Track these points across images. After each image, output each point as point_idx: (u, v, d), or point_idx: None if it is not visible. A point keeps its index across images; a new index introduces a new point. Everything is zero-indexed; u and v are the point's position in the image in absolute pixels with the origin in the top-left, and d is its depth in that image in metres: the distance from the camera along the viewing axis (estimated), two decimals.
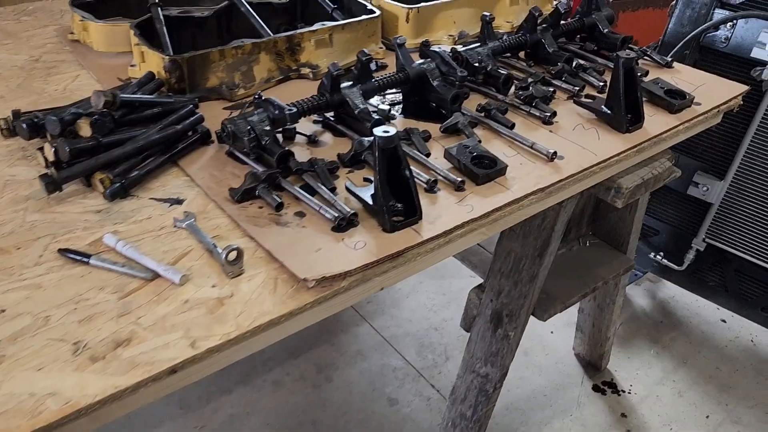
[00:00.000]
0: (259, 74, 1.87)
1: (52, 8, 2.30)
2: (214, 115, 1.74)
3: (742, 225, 2.60)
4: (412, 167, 1.51)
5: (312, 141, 1.64)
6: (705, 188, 2.61)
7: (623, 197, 1.71)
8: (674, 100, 1.83)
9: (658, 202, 2.82)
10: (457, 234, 1.37)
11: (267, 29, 2.00)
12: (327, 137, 1.68)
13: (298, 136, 1.67)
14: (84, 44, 2.08)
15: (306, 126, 1.70)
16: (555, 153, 1.58)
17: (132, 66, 1.88)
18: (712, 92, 1.97)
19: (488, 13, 1.92)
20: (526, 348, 2.87)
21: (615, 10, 4.03)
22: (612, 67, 1.90)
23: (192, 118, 1.59)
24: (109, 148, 1.48)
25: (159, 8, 1.97)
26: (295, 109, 1.52)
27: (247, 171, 1.51)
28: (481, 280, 2.10)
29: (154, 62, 1.78)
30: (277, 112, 1.53)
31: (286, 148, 1.48)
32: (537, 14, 1.98)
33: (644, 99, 1.88)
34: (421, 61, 1.80)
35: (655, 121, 1.80)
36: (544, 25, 2.05)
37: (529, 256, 1.89)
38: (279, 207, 1.38)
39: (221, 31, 2.11)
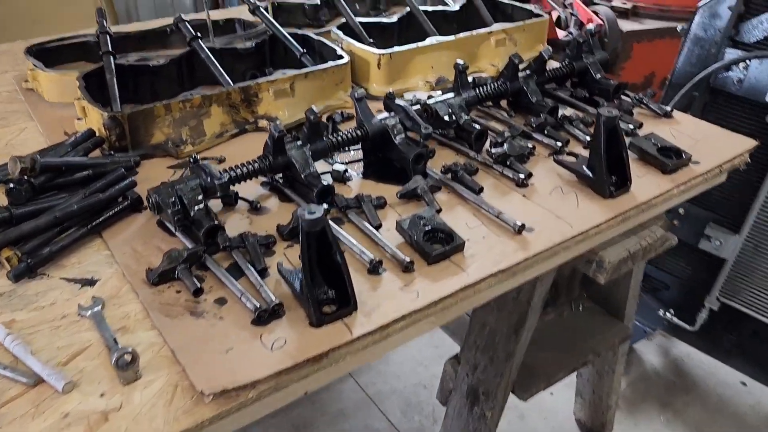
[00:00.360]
0: (210, 129, 1.72)
1: (17, 52, 2.20)
2: (156, 175, 1.60)
3: (761, 285, 2.35)
4: (356, 243, 1.34)
5: (254, 208, 1.49)
6: (718, 242, 2.37)
7: (606, 273, 1.51)
8: (668, 159, 1.63)
9: (666, 253, 2.58)
10: (397, 328, 1.19)
11: (226, 77, 1.86)
12: (272, 202, 1.53)
13: (241, 201, 1.51)
14: (37, 93, 1.97)
15: (252, 188, 1.55)
16: (523, 225, 1.40)
17: (79, 120, 1.76)
18: (715, 147, 1.76)
19: (462, 61, 1.75)
20: (522, 410, 2.64)
21: (629, 41, 3.82)
22: None
23: (121, 184, 1.45)
24: (22, 220, 1.34)
25: (111, 57, 1.85)
26: (226, 178, 1.36)
27: (177, 244, 1.38)
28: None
29: (94, 118, 1.65)
30: (208, 179, 1.38)
31: (215, 222, 1.32)
32: (517, 61, 1.80)
33: (635, 156, 1.69)
34: (383, 115, 1.64)
35: (645, 183, 1.59)
36: (527, 72, 1.87)
37: (504, 332, 1.70)
38: (197, 293, 1.23)
39: (182, 78, 1.98)
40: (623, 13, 3.91)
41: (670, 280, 2.61)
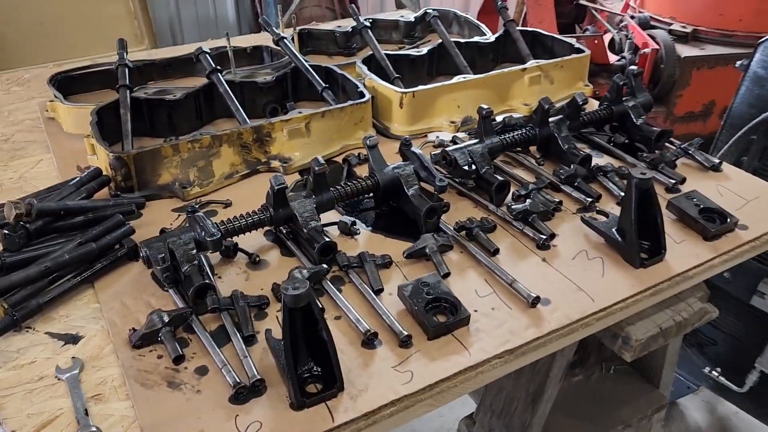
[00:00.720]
0: (219, 169, 1.66)
1: (46, 77, 2.20)
2: (160, 218, 1.55)
3: None
4: (353, 309, 1.25)
5: (253, 261, 1.41)
6: None
7: (632, 350, 1.36)
8: (711, 223, 1.47)
9: (717, 307, 2.37)
10: (384, 414, 1.09)
11: (243, 113, 1.80)
12: (273, 255, 1.45)
13: (240, 252, 1.44)
14: (58, 123, 1.96)
15: (254, 238, 1.47)
16: (537, 298, 1.27)
17: (91, 156, 1.73)
18: (767, 209, 1.58)
19: (486, 106, 1.63)
20: None
21: (688, 68, 3.59)
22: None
23: (117, 232, 1.40)
24: (14, 268, 1.31)
25: (128, 90, 1.82)
26: (218, 235, 1.29)
27: (168, 299, 1.32)
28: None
29: (103, 156, 1.62)
30: (203, 233, 1.31)
31: (206, 281, 1.25)
32: (547, 106, 1.66)
33: (674, 217, 1.53)
34: (396, 164, 1.53)
35: (682, 250, 1.43)
36: (560, 116, 1.74)
37: (521, 400, 1.56)
38: (178, 360, 1.16)
39: (200, 111, 1.93)
40: (682, 38, 3.68)
41: (719, 336, 2.41)
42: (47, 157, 1.83)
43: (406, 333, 1.19)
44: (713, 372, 2.41)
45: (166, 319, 1.19)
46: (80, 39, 2.92)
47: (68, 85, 2.08)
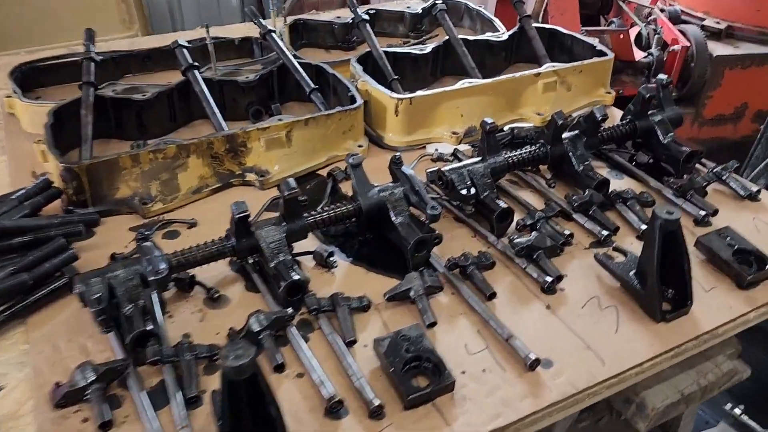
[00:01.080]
0: (186, 183, 1.47)
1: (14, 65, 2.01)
2: (115, 238, 1.37)
3: None
4: (318, 366, 1.06)
5: (211, 298, 1.22)
6: None
7: (648, 420, 1.16)
8: (746, 267, 1.25)
9: (743, 337, 2.15)
10: None
11: (219, 117, 1.61)
12: (235, 290, 1.26)
13: (197, 286, 1.25)
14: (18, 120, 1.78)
15: (217, 268, 1.28)
16: (537, 361, 1.07)
17: (45, 162, 1.55)
18: None
19: (490, 120, 1.41)
20: None
21: (720, 67, 3.32)
22: (666, 196, 1.39)
23: (58, 258, 1.22)
24: None
25: (91, 87, 1.63)
26: (165, 273, 1.10)
27: (107, 343, 1.14)
28: None
29: (54, 165, 1.43)
30: (149, 268, 1.12)
31: (147, 327, 1.07)
32: (560, 122, 1.45)
33: (703, 258, 1.32)
34: (383, 186, 1.33)
35: (712, 300, 1.22)
36: (575, 132, 1.52)
37: None
38: (105, 426, 0.98)
39: (173, 112, 1.74)
40: (715, 34, 3.41)
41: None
42: (2, 159, 1.65)
43: (376, 403, 0.99)
44: (735, 409, 2.20)
45: (92, 377, 1.01)
46: (67, 23, 2.72)
47: (36, 76, 1.91)
